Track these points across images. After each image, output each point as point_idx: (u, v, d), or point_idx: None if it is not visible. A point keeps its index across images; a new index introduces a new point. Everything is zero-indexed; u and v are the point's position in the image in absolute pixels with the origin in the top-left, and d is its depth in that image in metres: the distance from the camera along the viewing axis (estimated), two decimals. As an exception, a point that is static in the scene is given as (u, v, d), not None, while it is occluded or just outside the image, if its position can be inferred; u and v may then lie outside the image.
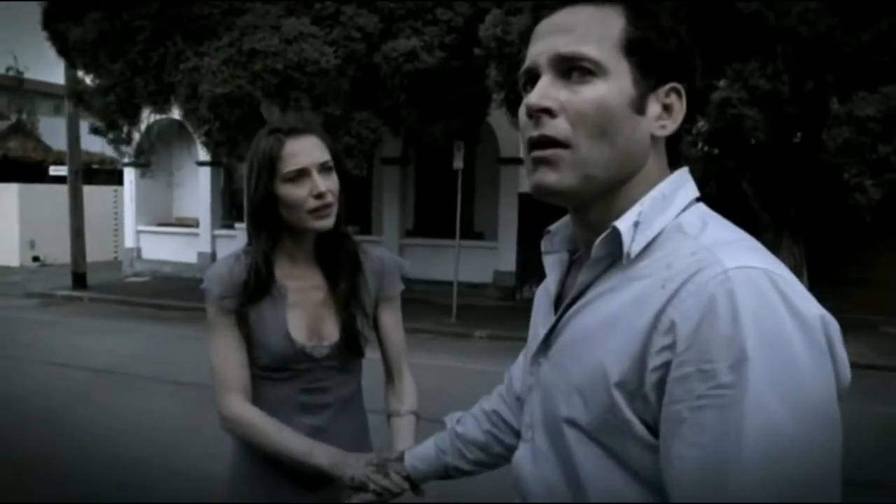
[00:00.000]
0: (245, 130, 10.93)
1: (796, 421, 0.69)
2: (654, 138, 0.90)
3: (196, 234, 16.60)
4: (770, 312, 0.72)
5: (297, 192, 1.63)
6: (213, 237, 16.46)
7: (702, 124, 8.08)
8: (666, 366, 0.76)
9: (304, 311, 1.70)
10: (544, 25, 0.91)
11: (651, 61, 0.88)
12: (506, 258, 13.40)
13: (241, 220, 17.07)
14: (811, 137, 8.70)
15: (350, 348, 1.72)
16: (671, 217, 0.88)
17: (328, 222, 1.66)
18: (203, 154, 14.78)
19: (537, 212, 13.07)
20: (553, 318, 0.97)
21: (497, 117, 11.48)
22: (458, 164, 11.07)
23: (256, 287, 1.66)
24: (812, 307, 0.75)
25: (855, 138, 7.36)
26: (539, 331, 1.01)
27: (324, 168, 1.65)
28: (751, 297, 0.72)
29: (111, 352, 8.71)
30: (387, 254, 1.84)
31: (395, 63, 9.99)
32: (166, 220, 17.61)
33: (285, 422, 1.64)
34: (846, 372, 0.76)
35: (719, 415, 0.71)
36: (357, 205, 15.31)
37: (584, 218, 0.94)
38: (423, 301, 11.98)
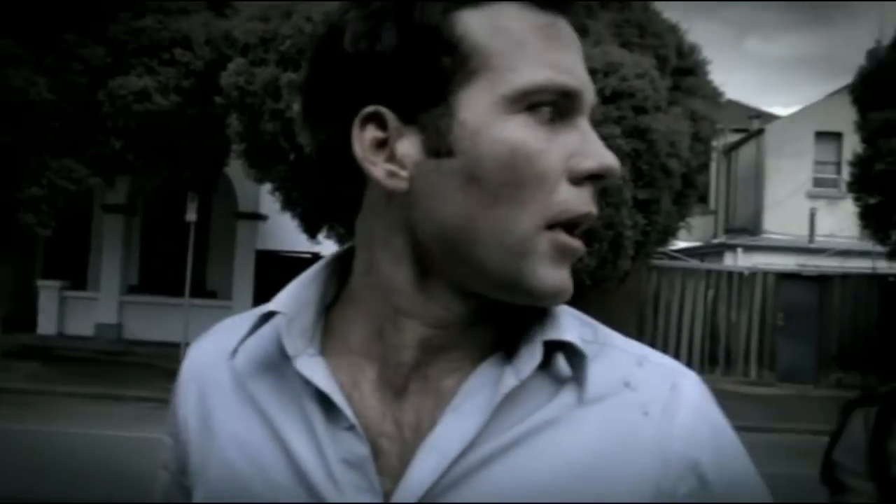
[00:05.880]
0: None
1: None
2: None
3: None
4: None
5: None
6: None
7: None
8: None
9: None
10: (564, 28, 0.57)
11: None
12: (241, 318, 12.81)
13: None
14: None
15: None
16: None
17: None
18: None
19: (276, 270, 12.71)
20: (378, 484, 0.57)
21: (235, 169, 10.93)
22: (191, 216, 10.36)
23: None
24: None
25: None
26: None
27: None
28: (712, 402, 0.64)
29: None
30: None
31: (121, 102, 9.12)
32: None
33: None
34: None
35: None
36: (70, 256, 13.71)
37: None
38: (145, 365, 11.00)
